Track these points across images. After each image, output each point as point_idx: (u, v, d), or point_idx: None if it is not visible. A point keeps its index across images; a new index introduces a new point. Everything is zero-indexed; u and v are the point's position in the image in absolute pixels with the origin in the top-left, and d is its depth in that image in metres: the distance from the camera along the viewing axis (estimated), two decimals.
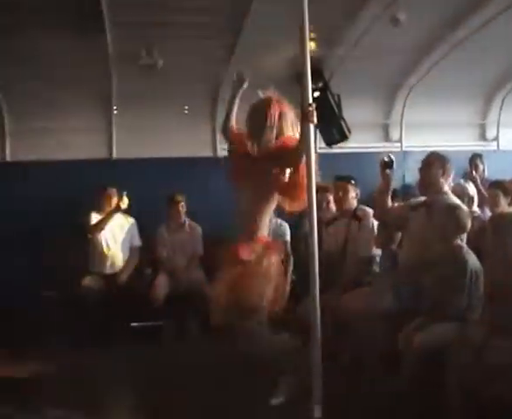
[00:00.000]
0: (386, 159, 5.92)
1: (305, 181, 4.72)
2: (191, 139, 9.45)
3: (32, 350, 7.17)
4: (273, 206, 5.15)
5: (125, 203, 8.58)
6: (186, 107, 9.22)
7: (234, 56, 8.09)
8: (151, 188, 8.81)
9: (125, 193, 8.51)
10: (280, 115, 5.02)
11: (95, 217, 8.65)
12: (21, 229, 8.78)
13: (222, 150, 9.49)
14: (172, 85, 8.68)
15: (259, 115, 5.05)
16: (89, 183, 8.72)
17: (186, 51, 8.03)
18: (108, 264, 8.68)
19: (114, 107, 9.30)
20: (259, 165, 4.90)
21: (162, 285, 8.38)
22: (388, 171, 5.92)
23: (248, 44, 7.73)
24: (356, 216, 6.92)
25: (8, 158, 9.39)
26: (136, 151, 9.31)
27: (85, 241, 8.69)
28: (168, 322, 8.39)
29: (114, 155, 9.52)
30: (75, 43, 7.61)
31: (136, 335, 8.27)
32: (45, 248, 8.64)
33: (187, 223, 8.79)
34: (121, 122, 9.44)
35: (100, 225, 8.62)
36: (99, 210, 8.69)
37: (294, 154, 4.78)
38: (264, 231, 5.09)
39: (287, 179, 4.98)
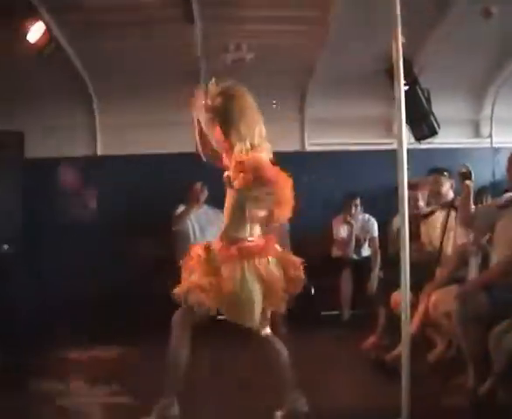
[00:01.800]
0: (463, 170, 5.79)
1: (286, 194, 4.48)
2: (279, 133, 9.45)
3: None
4: None
5: (204, 195, 8.67)
6: (274, 102, 9.21)
7: (324, 49, 8.07)
8: None
9: (205, 186, 8.61)
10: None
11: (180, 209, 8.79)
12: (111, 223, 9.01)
13: (310, 145, 9.52)
14: (260, 79, 8.70)
15: None
16: (179, 178, 8.82)
17: (275, 45, 8.04)
18: None
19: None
20: None
21: None
22: (467, 182, 5.80)
23: (338, 38, 7.70)
24: (453, 206, 6.81)
25: (99, 152, 9.60)
26: None
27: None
28: None
29: None
30: (163, 36, 7.71)
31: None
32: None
33: None
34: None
35: (181, 217, 8.73)
36: (187, 204, 8.79)
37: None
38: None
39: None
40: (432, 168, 7.26)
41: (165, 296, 4.47)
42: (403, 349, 4.44)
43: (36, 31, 6.89)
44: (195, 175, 8.59)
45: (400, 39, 4.57)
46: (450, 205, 6.86)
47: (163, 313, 4.54)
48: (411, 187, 7.28)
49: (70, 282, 8.56)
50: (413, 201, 7.49)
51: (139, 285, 8.45)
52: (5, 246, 8.31)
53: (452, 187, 7.03)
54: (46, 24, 6.95)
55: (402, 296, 4.46)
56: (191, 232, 8.71)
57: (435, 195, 7.14)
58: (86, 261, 8.73)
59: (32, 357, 6.79)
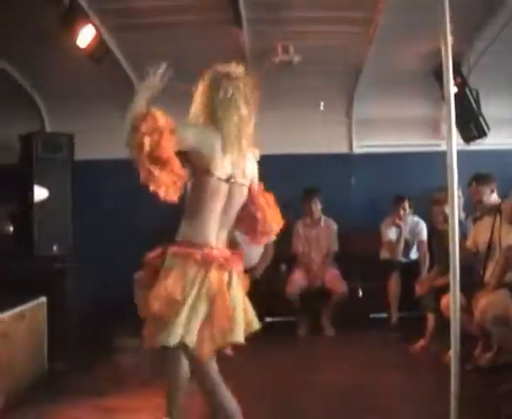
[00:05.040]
0: None
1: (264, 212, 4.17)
2: (327, 135, 9.46)
3: None
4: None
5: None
6: (322, 103, 9.20)
7: (370, 52, 8.02)
8: (286, 183, 8.86)
9: None
10: None
11: None
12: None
13: (358, 147, 9.50)
14: (308, 81, 8.70)
15: None
16: None
17: (321, 47, 8.01)
18: (245, 258, 8.69)
19: None
20: None
21: (297, 280, 8.43)
22: None
23: (384, 39, 7.64)
24: (499, 210, 6.76)
25: None
26: (272, 147, 9.37)
27: None
28: (302, 317, 8.44)
29: None
30: (211, 39, 7.73)
31: (270, 330, 8.39)
32: None
33: (322, 219, 8.80)
34: (256, 118, 9.50)
35: None
36: None
37: None
38: None
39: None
40: (471, 176, 7.27)
41: None
42: (453, 352, 4.38)
43: (86, 35, 6.94)
44: None
45: (449, 40, 4.52)
46: (496, 209, 6.82)
47: None
48: (437, 202, 7.32)
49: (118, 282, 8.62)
50: (442, 215, 7.40)
51: None
52: (55, 247, 8.39)
53: (493, 191, 7.03)
54: (96, 27, 7.01)
55: (452, 299, 4.40)
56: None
57: (478, 203, 7.16)
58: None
59: None
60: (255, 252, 8.74)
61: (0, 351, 5.40)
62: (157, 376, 4.69)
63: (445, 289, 5.60)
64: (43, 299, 6.52)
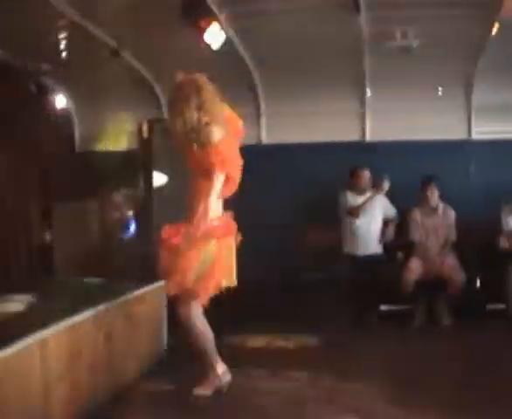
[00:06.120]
0: None
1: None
2: (445, 121, 9.29)
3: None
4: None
5: (387, 187, 8.60)
6: (440, 89, 9.04)
7: (492, 34, 7.83)
8: (404, 171, 8.77)
9: (386, 175, 8.52)
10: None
11: (351, 197, 8.81)
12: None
13: (477, 133, 9.29)
14: (426, 66, 8.57)
15: None
16: (341, 166, 8.81)
17: (441, 32, 7.87)
18: (362, 245, 8.74)
19: (367, 90, 9.33)
20: None
21: (414, 268, 8.33)
22: None
23: (506, 22, 7.43)
24: None
25: (263, 140, 9.75)
26: (389, 134, 9.30)
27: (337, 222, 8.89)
28: (418, 307, 8.34)
29: (367, 138, 9.57)
30: (329, 24, 7.70)
31: (386, 318, 8.37)
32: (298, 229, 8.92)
33: (441, 206, 8.65)
34: (374, 104, 9.46)
35: (363, 207, 8.70)
36: (352, 190, 8.82)
37: None
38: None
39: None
40: None
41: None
42: None
43: (207, 26, 7.04)
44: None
45: None
46: None
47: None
48: None
49: None
50: None
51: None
52: None
53: None
54: (216, 17, 7.10)
55: None
56: (358, 221, 8.71)
57: None
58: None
59: None
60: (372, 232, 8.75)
61: (123, 331, 5.56)
62: None
63: None
64: (162, 283, 6.66)
